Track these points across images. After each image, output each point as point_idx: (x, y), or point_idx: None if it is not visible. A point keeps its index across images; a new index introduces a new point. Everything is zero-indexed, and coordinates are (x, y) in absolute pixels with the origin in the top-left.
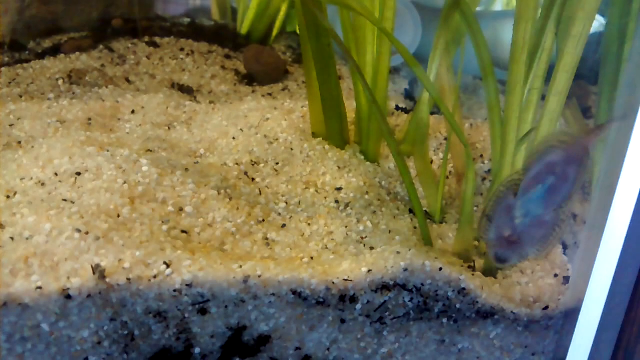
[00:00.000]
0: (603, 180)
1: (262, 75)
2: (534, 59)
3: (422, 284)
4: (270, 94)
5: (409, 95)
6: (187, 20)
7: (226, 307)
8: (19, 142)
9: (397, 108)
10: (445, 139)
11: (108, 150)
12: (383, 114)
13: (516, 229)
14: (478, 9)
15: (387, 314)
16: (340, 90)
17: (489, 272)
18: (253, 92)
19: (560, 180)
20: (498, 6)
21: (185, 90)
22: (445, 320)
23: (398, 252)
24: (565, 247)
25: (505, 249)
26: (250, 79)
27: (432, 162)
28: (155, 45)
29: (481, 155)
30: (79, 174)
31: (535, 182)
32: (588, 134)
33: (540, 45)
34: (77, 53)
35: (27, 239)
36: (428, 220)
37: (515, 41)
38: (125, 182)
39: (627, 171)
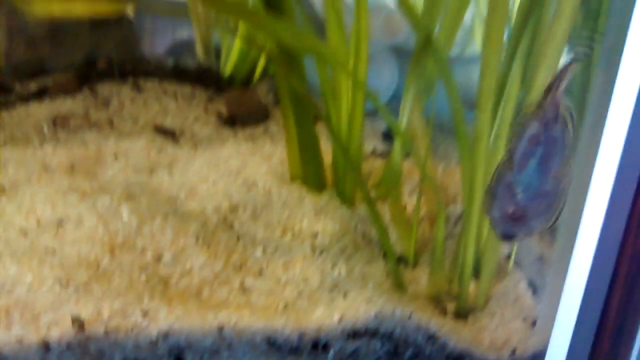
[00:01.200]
0: (567, 220)
1: (243, 117)
2: (499, 106)
3: (393, 331)
4: (251, 137)
5: (388, 135)
6: (171, 61)
7: (201, 357)
8: (3, 189)
9: (374, 151)
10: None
11: (90, 199)
12: (355, 164)
13: (519, 204)
14: (455, 51)
15: None
16: (317, 137)
17: (460, 315)
18: (235, 135)
19: (549, 145)
20: (474, 49)
21: (168, 133)
22: None
23: (370, 299)
24: (535, 289)
25: (511, 225)
26: (232, 121)
27: (405, 206)
28: (138, 88)
29: (454, 199)
30: (61, 223)
31: (526, 160)
32: (552, 90)
33: (505, 91)
34: (62, 97)
35: (8, 290)
36: (402, 264)
37: (481, 89)
38: (105, 232)
39: (589, 212)
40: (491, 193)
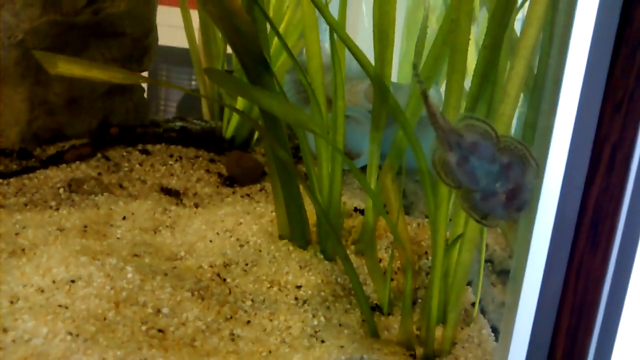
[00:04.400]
0: (514, 270)
1: (242, 177)
2: None
3: None
4: (248, 195)
5: None
6: (178, 124)
7: None
8: (23, 250)
9: (356, 209)
10: None
11: (99, 260)
12: (334, 227)
13: (506, 188)
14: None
15: None
16: (302, 199)
17: (427, 359)
18: (233, 193)
19: (473, 150)
20: None
21: (173, 193)
22: None
23: (342, 346)
24: (497, 333)
25: (520, 201)
26: (231, 181)
27: (380, 260)
28: (147, 152)
29: (426, 252)
30: (73, 281)
31: (473, 176)
32: (436, 125)
33: None
34: (77, 162)
35: (26, 341)
36: (377, 313)
37: None
38: (112, 288)
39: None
40: (484, 215)
